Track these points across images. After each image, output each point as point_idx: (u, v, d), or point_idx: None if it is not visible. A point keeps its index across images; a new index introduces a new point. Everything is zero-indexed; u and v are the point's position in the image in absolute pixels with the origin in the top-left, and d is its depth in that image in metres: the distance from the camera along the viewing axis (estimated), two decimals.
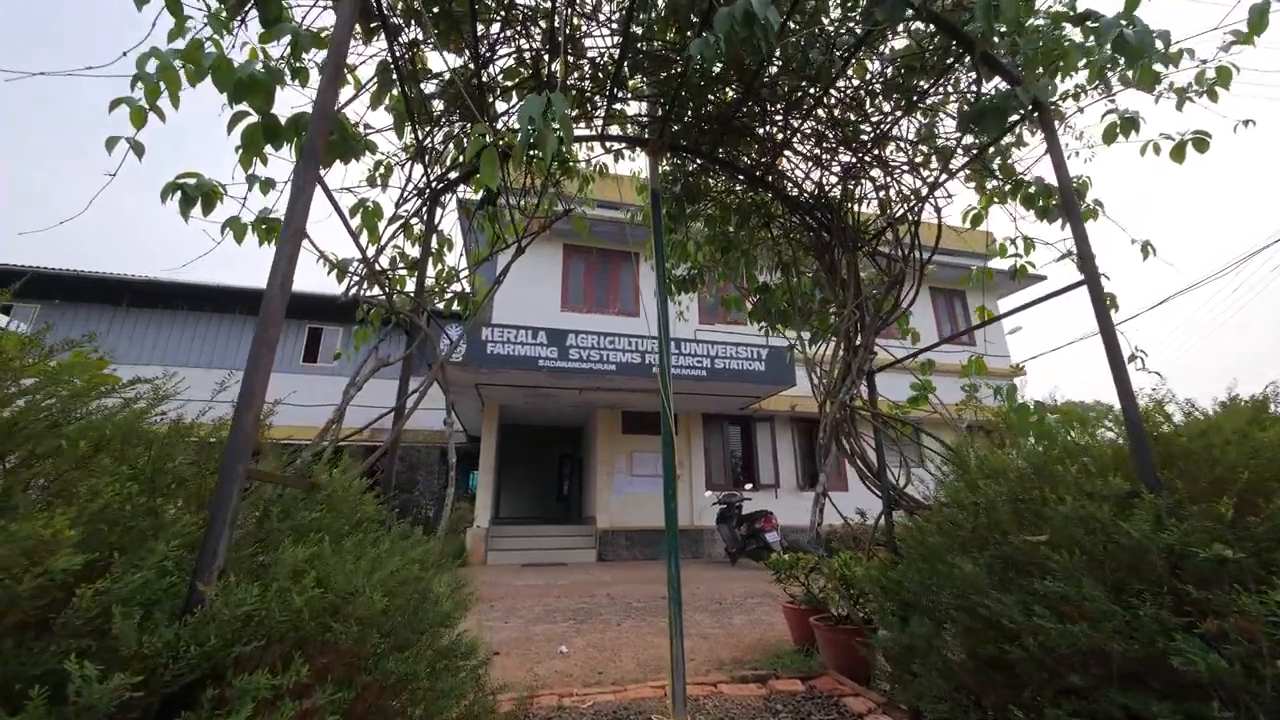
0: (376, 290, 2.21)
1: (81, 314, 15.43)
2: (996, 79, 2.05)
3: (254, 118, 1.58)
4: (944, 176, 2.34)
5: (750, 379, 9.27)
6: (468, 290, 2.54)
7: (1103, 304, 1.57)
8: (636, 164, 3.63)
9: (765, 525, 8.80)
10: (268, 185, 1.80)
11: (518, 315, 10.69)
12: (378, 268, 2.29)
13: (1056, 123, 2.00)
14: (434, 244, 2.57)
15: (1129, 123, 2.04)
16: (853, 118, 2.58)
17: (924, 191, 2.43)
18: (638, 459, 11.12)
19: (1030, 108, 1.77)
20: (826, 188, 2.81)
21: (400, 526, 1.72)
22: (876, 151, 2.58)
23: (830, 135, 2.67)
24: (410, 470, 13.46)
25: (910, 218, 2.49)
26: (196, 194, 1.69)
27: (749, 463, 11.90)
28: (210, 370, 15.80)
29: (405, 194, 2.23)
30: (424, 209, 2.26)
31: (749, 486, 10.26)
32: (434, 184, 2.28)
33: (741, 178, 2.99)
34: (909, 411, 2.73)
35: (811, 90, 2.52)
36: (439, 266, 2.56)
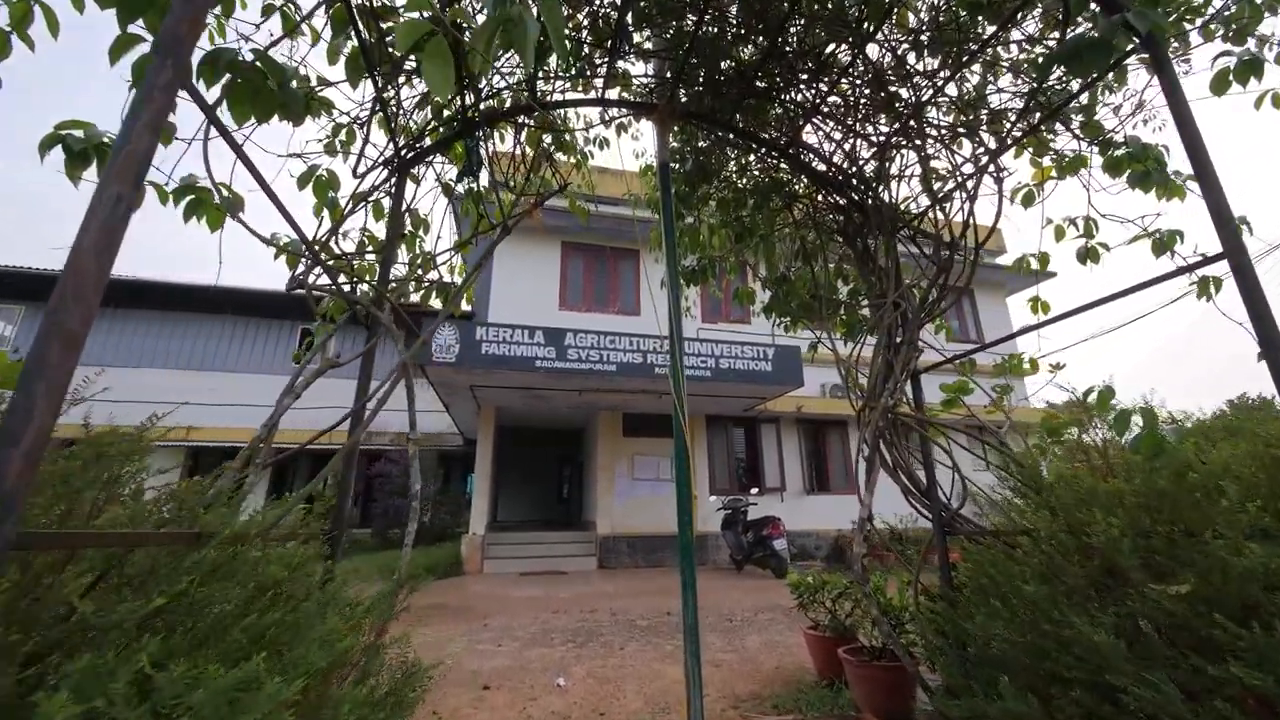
0: (341, 278, 1.85)
1: None
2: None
3: (147, 43, 1.21)
4: (1008, 139, 1.97)
5: (757, 379, 8.91)
6: (446, 279, 2.17)
7: (1256, 286, 1.20)
8: (641, 142, 3.24)
9: (773, 532, 8.43)
10: (169, 135, 1.42)
11: (514, 314, 10.33)
12: (338, 251, 1.92)
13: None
14: (408, 225, 2.20)
15: (1249, 67, 1.67)
16: (893, 77, 2.21)
17: (982, 159, 2.07)
18: (639, 462, 10.75)
19: (1140, 41, 1.40)
20: (860, 161, 2.45)
21: (341, 589, 1.34)
22: (922, 116, 2.22)
23: (866, 99, 2.31)
24: (405, 475, 13.08)
25: (965, 191, 2.13)
26: (87, 149, 1.32)
27: (754, 466, 11.53)
28: (203, 373, 15.41)
29: (362, 160, 1.86)
30: (390, 182, 1.89)
31: (755, 491, 9.90)
32: (402, 152, 1.92)
33: (761, 151, 2.63)
34: (951, 413, 2.35)
35: (845, 45, 2.15)
36: (414, 253, 2.19)
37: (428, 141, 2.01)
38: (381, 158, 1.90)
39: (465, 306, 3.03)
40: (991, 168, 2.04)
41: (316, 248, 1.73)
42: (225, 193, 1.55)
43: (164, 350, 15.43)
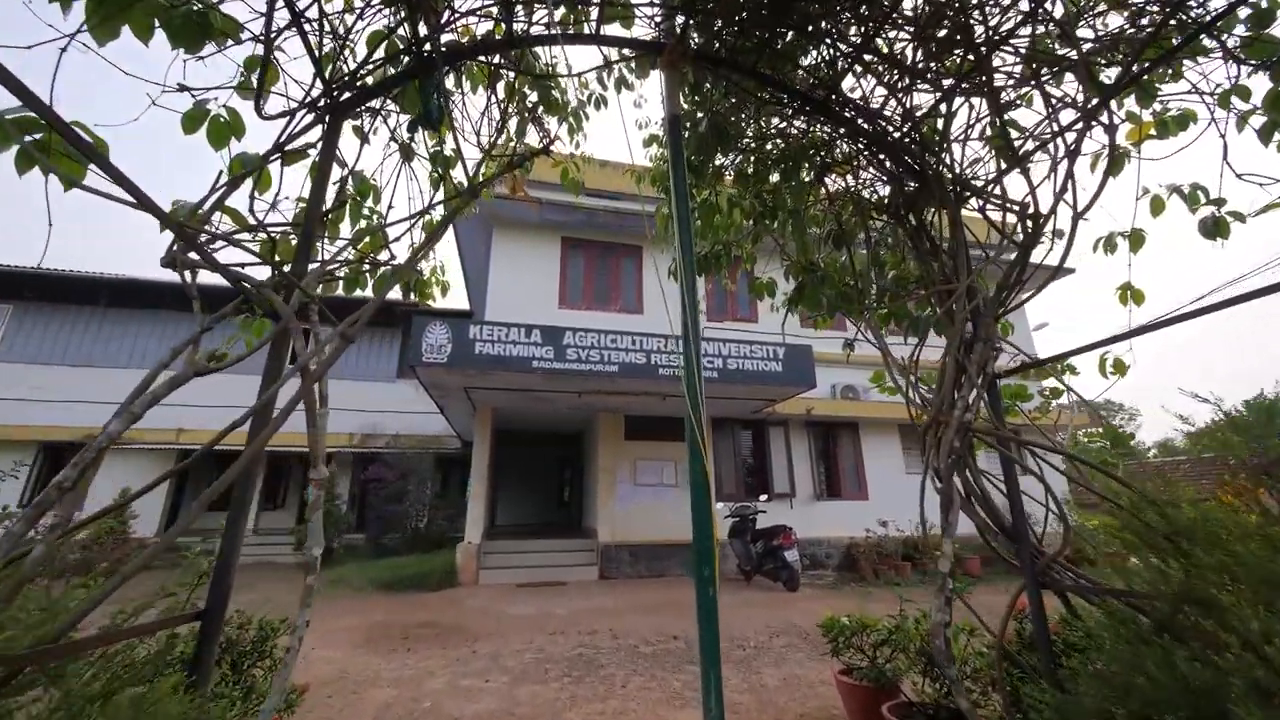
0: (246, 258, 1.40)
1: (56, 315, 14.67)
2: None
3: None
4: (1134, 69, 1.49)
5: (767, 380, 8.43)
6: (395, 262, 1.71)
7: None
8: (645, 110, 2.76)
9: (784, 542, 7.96)
10: None
11: (513, 313, 9.87)
12: (253, 221, 1.46)
13: None
14: (350, 190, 1.74)
15: None
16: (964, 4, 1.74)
17: (1089, 103, 1.59)
18: (642, 467, 10.29)
19: None
20: (916, 115, 1.98)
21: None
22: (995, 53, 1.75)
23: (927, 34, 1.84)
24: (400, 479, 12.64)
25: (1062, 146, 1.65)
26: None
27: (762, 471, 11.06)
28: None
29: (278, 101, 1.40)
30: (317, 131, 1.44)
31: (764, 498, 9.42)
32: (334, 93, 1.46)
33: (790, 109, 2.16)
34: (1036, 422, 1.88)
35: None
36: (358, 225, 1.73)
37: (370, 81, 1.55)
38: (307, 98, 1.45)
39: (441, 299, 2.58)
40: (1105, 112, 1.57)
41: (211, 213, 1.27)
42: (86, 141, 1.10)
43: (153, 350, 15.02)
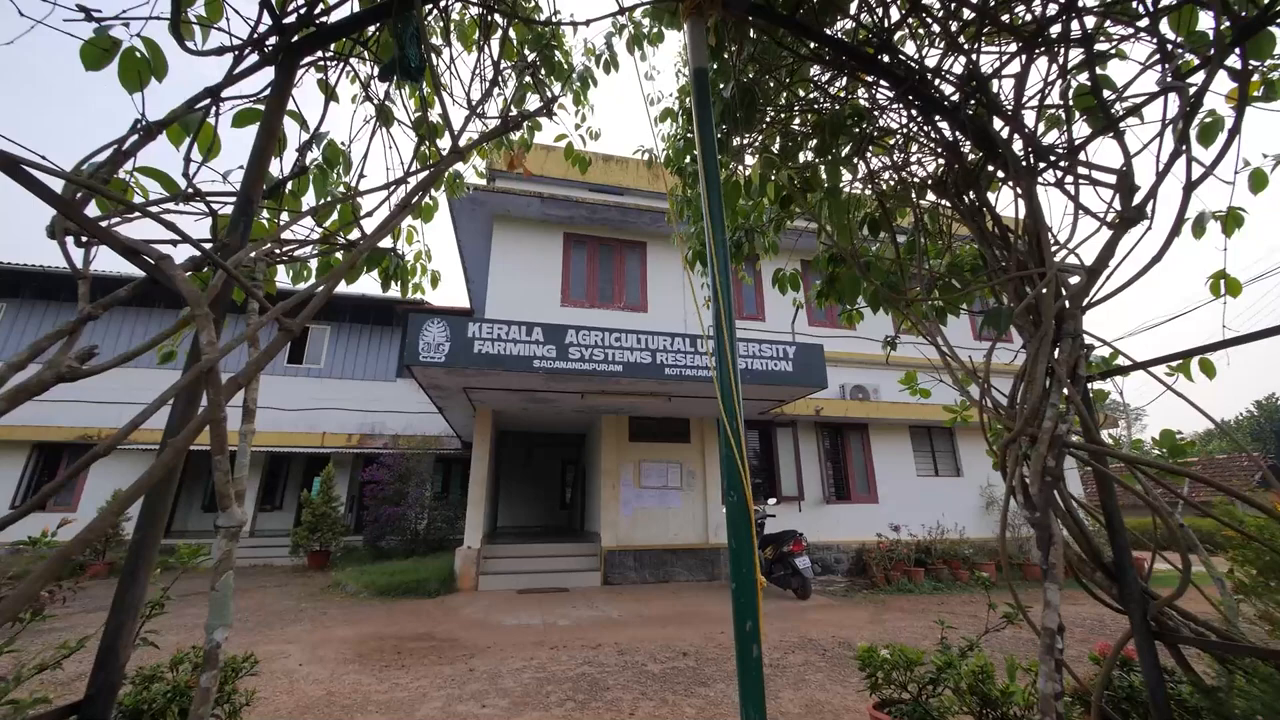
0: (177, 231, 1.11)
1: (50, 312, 14.43)
2: None
3: None
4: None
5: (777, 380, 8.12)
6: (359, 226, 1.42)
7: None
8: (657, 83, 2.49)
9: (795, 549, 7.66)
10: None
11: (514, 311, 9.60)
12: (190, 191, 1.17)
13: None
14: (315, 156, 1.45)
15: None
16: None
17: (1217, 46, 1.30)
18: (647, 469, 10.00)
19: None
20: (984, 74, 1.69)
21: None
22: None
23: None
24: (399, 481, 12.38)
25: (1173, 103, 1.36)
26: None
27: (769, 473, 10.77)
28: None
29: (214, 36, 1.11)
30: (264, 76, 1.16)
31: (772, 501, 9.11)
32: (287, 30, 1.18)
33: (837, 60, 1.86)
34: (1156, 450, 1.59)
35: None
36: (324, 197, 1.44)
37: (333, 20, 1.26)
38: (254, 35, 1.15)
39: (431, 292, 2.29)
40: (1236, 56, 1.27)
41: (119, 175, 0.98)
42: None
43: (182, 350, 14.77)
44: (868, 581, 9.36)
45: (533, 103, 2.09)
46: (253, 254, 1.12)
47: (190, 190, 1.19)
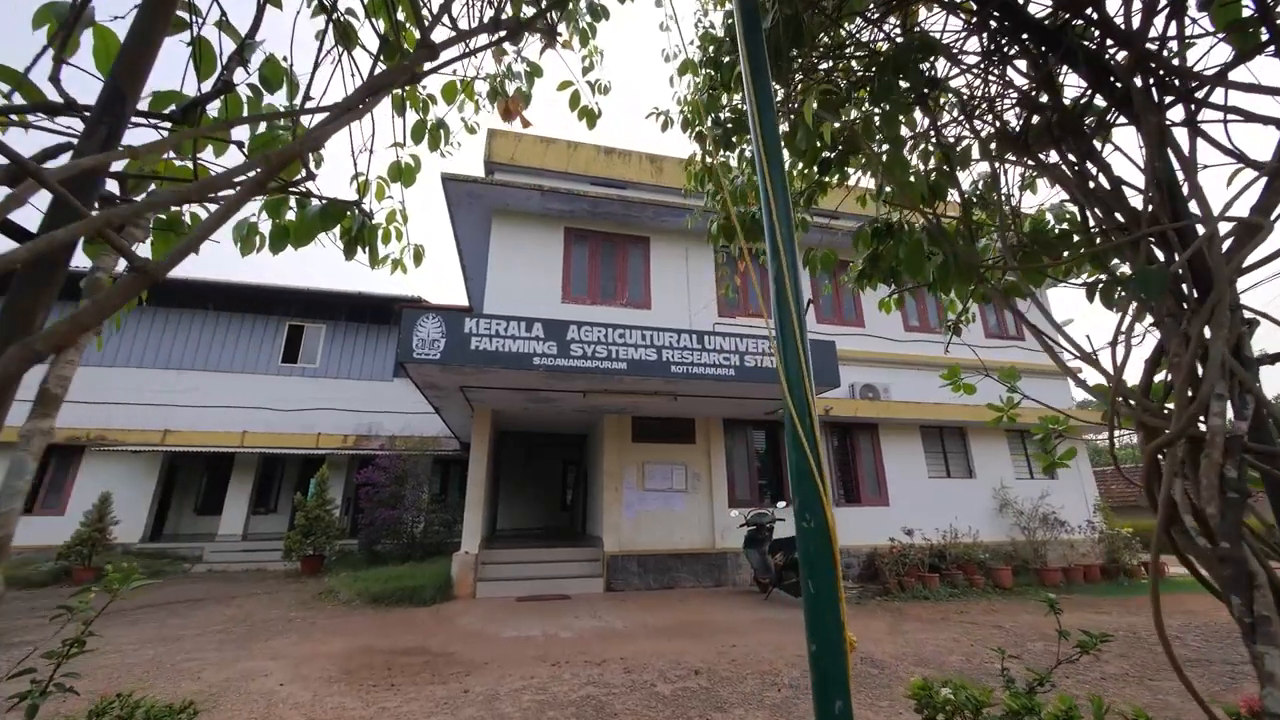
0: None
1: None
2: None
3: None
4: None
5: None
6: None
7: None
8: (673, 36, 2.18)
9: None
10: None
11: (513, 308, 9.26)
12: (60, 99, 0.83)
13: None
14: (251, 71, 1.11)
15: None
16: None
17: None
18: (650, 471, 9.66)
19: None
20: None
21: None
22: None
23: None
24: (396, 483, 12.03)
25: None
26: None
27: (778, 475, 10.42)
28: (182, 373, 14.42)
29: None
30: None
31: (782, 504, 8.76)
32: None
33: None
34: None
35: None
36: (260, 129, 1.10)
37: None
38: None
39: (413, 269, 1.95)
40: None
41: None
42: None
43: (139, 348, 14.43)
44: (880, 587, 9.02)
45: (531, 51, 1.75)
46: (119, 167, 0.78)
47: (62, 101, 0.85)
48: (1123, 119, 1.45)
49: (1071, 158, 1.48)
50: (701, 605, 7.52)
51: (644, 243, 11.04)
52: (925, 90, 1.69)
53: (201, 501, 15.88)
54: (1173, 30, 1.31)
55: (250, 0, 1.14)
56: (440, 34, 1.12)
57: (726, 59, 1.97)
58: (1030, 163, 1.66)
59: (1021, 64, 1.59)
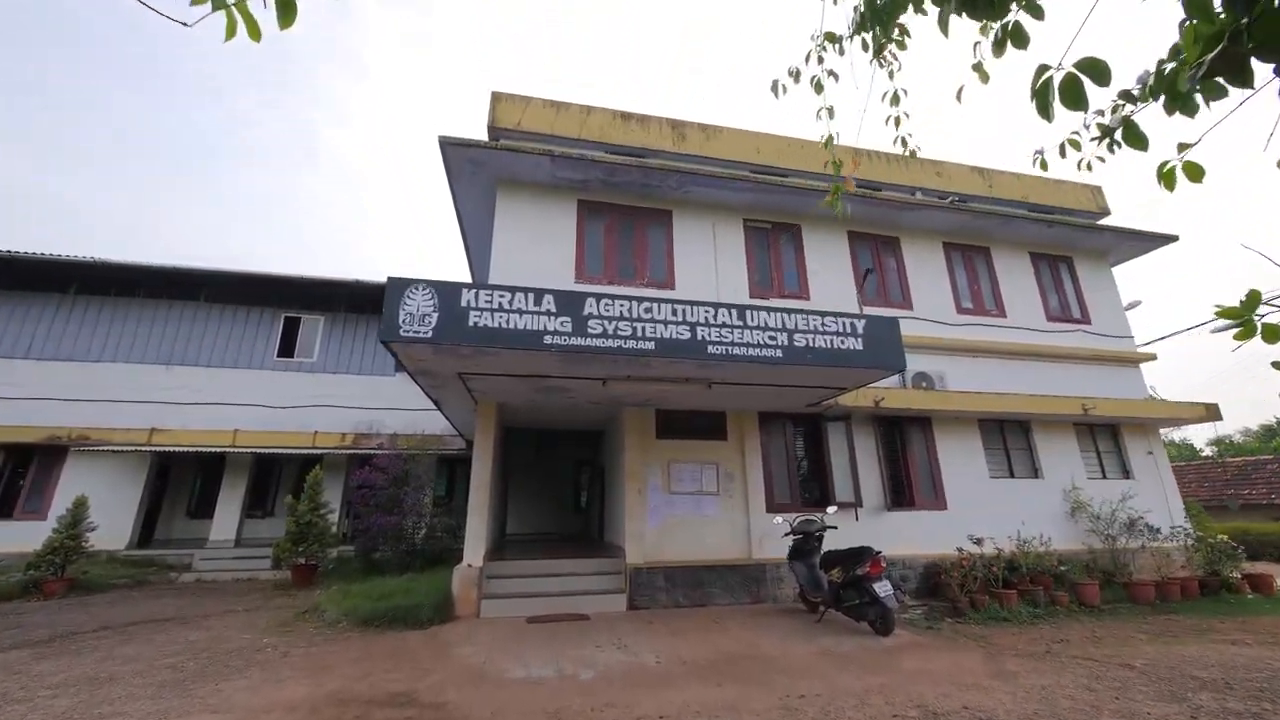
0: None
1: (20, 304, 13.23)
2: None
3: None
4: None
5: (845, 361, 6.56)
6: None
7: None
8: None
9: (873, 571, 6.11)
10: None
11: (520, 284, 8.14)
12: None
13: None
14: None
15: None
16: None
17: None
18: (677, 472, 8.49)
19: None
20: None
21: None
22: None
23: None
24: (395, 485, 10.97)
25: None
26: None
27: (820, 475, 9.19)
28: (171, 368, 13.52)
29: None
30: None
31: (831, 509, 7.52)
32: None
33: None
34: None
35: None
36: None
37: None
38: None
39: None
40: None
41: None
42: None
43: (126, 342, 13.55)
44: (948, 605, 7.76)
45: None
46: None
47: None
48: None
49: None
50: (743, 630, 6.33)
51: (666, 216, 9.87)
52: None
53: (195, 504, 15.00)
54: None
55: None
56: None
57: None
58: None
59: None
